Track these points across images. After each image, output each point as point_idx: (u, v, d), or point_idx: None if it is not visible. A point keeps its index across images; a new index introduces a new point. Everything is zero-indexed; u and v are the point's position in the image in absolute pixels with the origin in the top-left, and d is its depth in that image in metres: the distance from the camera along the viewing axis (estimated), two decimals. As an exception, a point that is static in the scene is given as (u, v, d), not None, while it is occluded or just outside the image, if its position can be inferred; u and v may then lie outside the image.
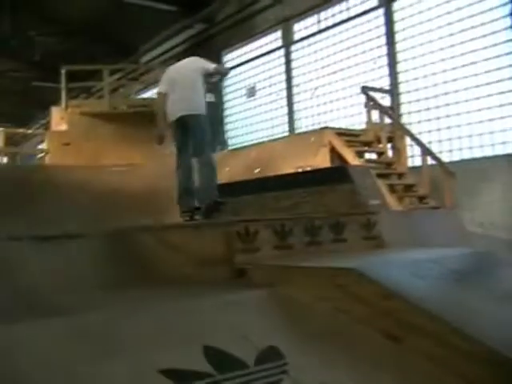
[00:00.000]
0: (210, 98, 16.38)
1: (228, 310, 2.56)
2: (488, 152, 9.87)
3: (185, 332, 2.28)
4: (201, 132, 6.51)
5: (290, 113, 14.13)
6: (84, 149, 14.33)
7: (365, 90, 10.46)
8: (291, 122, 13.93)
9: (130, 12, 17.73)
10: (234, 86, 16.55)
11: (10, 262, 2.91)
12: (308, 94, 13.70)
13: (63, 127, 14.94)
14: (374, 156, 10.45)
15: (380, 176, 9.78)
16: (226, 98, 16.82)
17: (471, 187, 9.77)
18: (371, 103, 10.26)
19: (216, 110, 16.22)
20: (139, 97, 20.47)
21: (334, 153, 9.65)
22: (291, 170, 8.79)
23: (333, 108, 12.95)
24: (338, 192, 4.92)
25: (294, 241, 3.89)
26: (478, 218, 9.67)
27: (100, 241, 3.44)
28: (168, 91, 6.71)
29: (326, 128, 10.17)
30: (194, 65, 6.85)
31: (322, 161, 9.61)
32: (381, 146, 10.12)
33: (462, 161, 10.25)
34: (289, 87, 14.27)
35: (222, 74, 7.68)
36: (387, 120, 10.31)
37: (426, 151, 9.70)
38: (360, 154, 9.99)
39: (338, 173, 5.01)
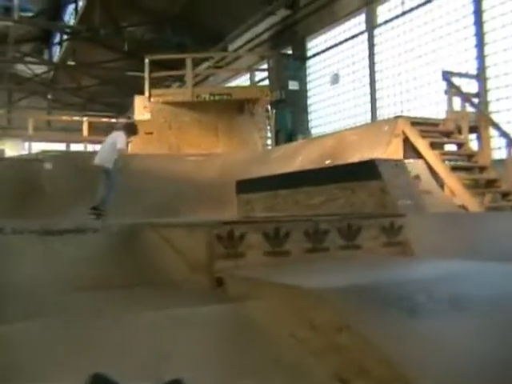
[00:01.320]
0: (294, 85, 16.01)
1: (165, 329, 2.18)
2: None
3: (93, 354, 1.94)
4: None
5: (373, 100, 13.34)
6: (166, 138, 14.35)
7: (446, 74, 9.58)
8: (374, 109, 13.15)
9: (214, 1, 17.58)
10: (317, 73, 15.95)
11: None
12: (391, 81, 12.84)
13: (146, 116, 14.93)
14: (454, 147, 9.54)
15: (457, 169, 9.01)
16: (309, 86, 16.17)
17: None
18: (452, 90, 9.38)
19: (299, 98, 15.68)
20: (228, 85, 20.42)
21: (408, 143, 8.92)
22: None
23: (416, 95, 12.04)
24: (365, 189, 4.29)
25: (292, 247, 3.35)
26: None
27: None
28: None
29: (399, 117, 9.41)
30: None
31: (395, 152, 8.90)
32: (462, 136, 9.21)
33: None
34: (372, 73, 13.47)
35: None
36: (470, 108, 9.39)
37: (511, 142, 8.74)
38: (438, 145, 9.20)
39: (366, 168, 4.35)
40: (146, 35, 21.63)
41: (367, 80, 13.66)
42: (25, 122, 17.14)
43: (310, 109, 16.06)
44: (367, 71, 13.69)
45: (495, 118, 10.21)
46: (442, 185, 8.30)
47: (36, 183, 10.51)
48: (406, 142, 8.93)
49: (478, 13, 10.58)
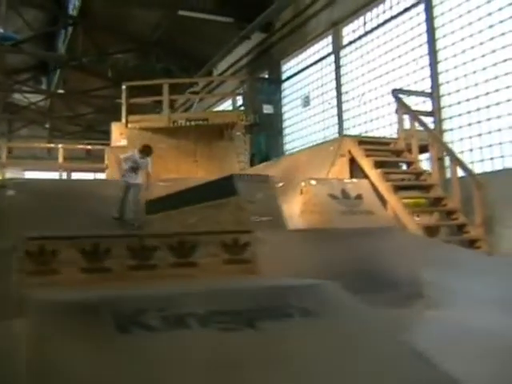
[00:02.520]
0: (269, 109, 15.99)
1: None
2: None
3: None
4: None
5: (340, 121, 13.25)
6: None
7: (395, 93, 9.48)
8: (341, 131, 13.04)
9: (194, 26, 17.69)
10: (291, 96, 15.88)
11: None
12: (356, 101, 12.76)
13: (123, 143, 14.93)
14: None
15: (408, 188, 8.87)
16: (284, 109, 16.13)
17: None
18: (402, 108, 9.26)
19: (274, 121, 15.66)
20: (215, 109, 20.45)
21: (356, 163, 8.81)
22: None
23: (378, 115, 11.94)
24: (226, 206, 4.19)
25: (113, 263, 3.25)
26: (520, 236, 8.45)
27: None
28: None
29: (345, 136, 9.31)
30: None
31: (340, 171, 8.83)
32: (412, 155, 9.06)
33: (505, 170, 8.97)
34: (339, 95, 13.40)
35: None
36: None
37: (456, 160, 8.58)
38: (390, 164, 9.09)
39: (226, 184, 4.27)
40: (131, 62, 21.79)
41: (335, 101, 13.57)
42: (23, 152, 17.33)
43: (284, 132, 15.98)
44: (334, 93, 13.60)
45: (449, 136, 10.08)
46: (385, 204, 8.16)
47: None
48: (354, 161, 8.84)
49: (431, 31, 10.50)
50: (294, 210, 8.28)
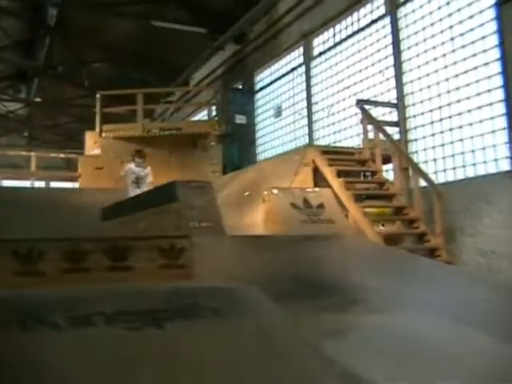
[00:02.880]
0: (241, 119, 16.10)
1: None
2: (491, 169, 8.66)
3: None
4: None
5: (310, 132, 13.38)
6: (118, 173, 14.31)
7: (360, 103, 9.61)
8: (311, 141, 13.17)
9: (170, 36, 17.77)
10: (263, 107, 16.00)
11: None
12: (326, 112, 12.90)
13: (96, 151, 14.96)
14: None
15: (369, 198, 8.99)
16: (257, 119, 16.25)
17: (473, 210, 8.68)
18: (367, 119, 9.39)
19: (247, 132, 15.76)
20: (192, 119, 20.54)
21: (320, 172, 8.91)
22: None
23: (346, 125, 12.08)
24: (167, 212, 4.24)
25: (46, 267, 3.27)
26: (479, 244, 8.57)
27: None
28: None
29: (309, 146, 9.43)
30: None
31: (303, 180, 8.92)
32: (376, 165, 9.18)
33: (466, 179, 9.11)
34: (309, 105, 13.54)
35: None
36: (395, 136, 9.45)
37: (417, 170, 8.71)
38: (354, 174, 9.22)
39: (168, 191, 4.33)
40: (107, 71, 21.84)
41: (305, 112, 13.71)
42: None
43: (257, 142, 16.09)
44: (305, 103, 13.75)
45: (414, 146, 10.23)
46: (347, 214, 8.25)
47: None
48: (318, 170, 8.94)
49: (396, 43, 10.67)
50: (258, 218, 8.37)
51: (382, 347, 3.45)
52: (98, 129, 15.14)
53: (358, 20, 11.99)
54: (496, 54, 8.31)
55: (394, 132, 10.16)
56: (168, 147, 15.01)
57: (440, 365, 3.33)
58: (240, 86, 17.04)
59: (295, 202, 7.86)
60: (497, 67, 8.34)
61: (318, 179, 9.00)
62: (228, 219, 8.20)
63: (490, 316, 4.09)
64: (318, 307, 3.79)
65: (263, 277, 3.78)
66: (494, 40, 8.38)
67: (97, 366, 2.01)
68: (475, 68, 8.95)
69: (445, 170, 9.58)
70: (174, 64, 19.99)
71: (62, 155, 19.32)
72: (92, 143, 15.44)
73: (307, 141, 13.45)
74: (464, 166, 9.22)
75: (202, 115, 19.72)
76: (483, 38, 8.75)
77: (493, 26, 8.36)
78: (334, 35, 12.74)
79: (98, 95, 15.51)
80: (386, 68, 11.01)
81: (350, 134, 11.94)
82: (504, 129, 8.10)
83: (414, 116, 10.25)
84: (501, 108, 8.36)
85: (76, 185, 17.52)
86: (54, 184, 21.86)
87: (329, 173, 8.63)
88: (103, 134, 15.06)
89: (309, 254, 4.49)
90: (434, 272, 5.88)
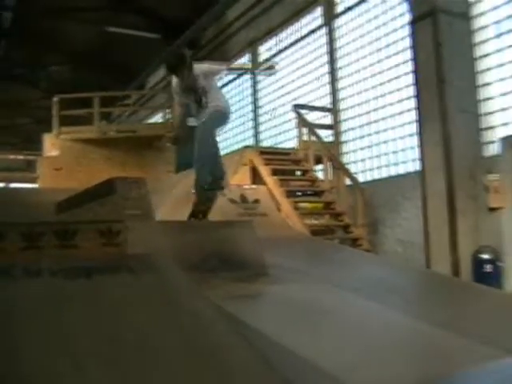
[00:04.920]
0: (192, 122, 16.87)
1: None
2: (409, 168, 9.68)
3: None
4: None
5: (256, 134, 14.27)
6: (76, 173, 14.87)
7: (295, 108, 10.54)
8: (257, 143, 14.05)
9: (127, 41, 18.42)
10: (215, 110, 16.82)
11: None
12: (269, 115, 13.84)
13: (55, 153, 15.48)
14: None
15: (304, 194, 9.90)
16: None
17: (393, 205, 9.68)
18: (301, 121, 10.32)
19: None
20: (149, 121, 21.21)
21: (258, 171, 9.78)
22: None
23: (287, 128, 13.01)
24: (108, 204, 5.08)
25: (8, 245, 4.06)
26: (398, 235, 9.56)
27: None
28: None
29: (247, 147, 10.33)
30: None
31: (242, 179, 9.75)
32: (308, 164, 10.10)
33: (388, 178, 10.12)
34: (255, 109, 14.45)
35: None
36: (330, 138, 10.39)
37: (343, 170, 9.69)
38: (289, 172, 10.09)
39: (108, 185, 5.18)
40: (66, 75, 22.32)
41: (252, 115, 14.61)
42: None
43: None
44: (252, 107, 14.64)
45: (346, 147, 11.21)
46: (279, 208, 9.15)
47: None
48: (256, 169, 9.82)
49: (332, 52, 11.65)
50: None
51: (277, 308, 4.37)
52: (55, 131, 15.66)
53: (300, 29, 12.92)
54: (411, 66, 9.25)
55: (328, 134, 11.13)
56: (124, 148, 15.63)
57: (325, 322, 4.25)
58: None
59: (233, 197, 8.77)
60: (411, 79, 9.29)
61: (255, 177, 9.87)
62: (176, 213, 9.06)
63: (377, 288, 5.01)
64: (228, 278, 4.68)
65: (183, 253, 4.66)
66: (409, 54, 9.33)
67: (43, 305, 2.86)
68: (397, 78, 9.96)
69: (371, 170, 10.56)
70: (130, 68, 20.64)
71: (21, 157, 19.82)
72: (50, 145, 15.98)
73: (253, 142, 14.34)
74: (387, 166, 10.23)
75: (158, 118, 20.42)
76: (404, 50, 9.75)
77: (409, 42, 9.31)
78: (278, 43, 13.67)
79: (55, 99, 16.06)
80: (323, 75, 11.96)
81: (290, 136, 12.86)
82: (417, 134, 9.04)
83: (346, 120, 11.22)
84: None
85: (36, 185, 18.06)
86: (13, 185, 22.29)
87: (264, 171, 9.50)
88: (61, 136, 15.60)
89: (227, 236, 5.36)
90: (344, 256, 6.82)
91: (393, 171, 10.13)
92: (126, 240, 4.54)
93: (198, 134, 6.73)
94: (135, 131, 16.06)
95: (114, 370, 2.49)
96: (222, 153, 7.69)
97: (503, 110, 8.38)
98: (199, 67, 6.37)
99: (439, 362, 3.38)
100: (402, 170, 9.93)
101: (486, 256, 7.97)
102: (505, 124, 8.34)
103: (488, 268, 7.90)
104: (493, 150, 8.34)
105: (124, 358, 2.65)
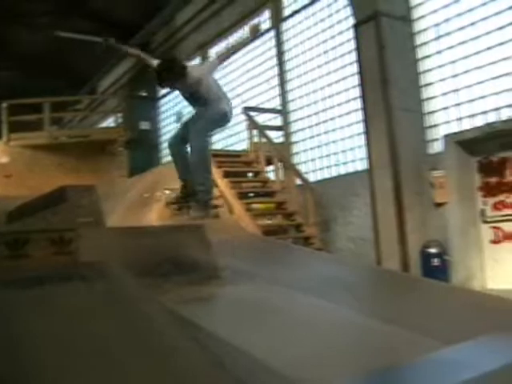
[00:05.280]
0: (146, 125, 16.95)
1: None
2: (359, 167, 9.93)
3: None
4: None
5: (208, 136, 14.39)
6: (27, 180, 14.69)
7: (245, 110, 10.68)
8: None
9: (78, 45, 18.19)
10: (167, 113, 16.92)
11: None
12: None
13: (4, 160, 15.29)
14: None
15: (256, 195, 10.05)
16: (162, 125, 17.15)
17: (343, 203, 9.91)
18: (252, 124, 10.47)
19: (152, 137, 16.60)
20: (101, 126, 21.08)
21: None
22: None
23: (238, 130, 13.15)
24: (60, 212, 5.14)
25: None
26: (350, 232, 9.79)
27: None
28: None
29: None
30: None
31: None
32: (259, 165, 10.25)
33: (339, 176, 10.36)
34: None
35: None
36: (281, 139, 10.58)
37: (294, 170, 9.89)
38: (241, 174, 10.22)
39: (60, 193, 5.24)
40: (16, 80, 22.04)
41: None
42: None
43: (162, 146, 16.95)
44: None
45: (296, 147, 11.41)
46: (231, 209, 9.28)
47: None
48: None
49: (280, 55, 11.85)
50: (153, 217, 9.36)
51: (229, 310, 4.50)
52: (4, 138, 15.48)
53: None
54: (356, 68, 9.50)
55: (279, 135, 11.32)
56: (76, 154, 15.55)
57: (275, 321, 4.40)
58: (144, 94, 17.82)
59: (186, 200, 8.88)
60: (356, 80, 9.54)
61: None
62: (129, 218, 9.12)
63: (327, 286, 5.18)
64: (181, 282, 4.79)
65: (136, 258, 4.76)
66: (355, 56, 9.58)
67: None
68: (344, 79, 10.22)
69: (322, 169, 10.79)
70: (81, 72, 20.51)
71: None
72: (0, 152, 15.79)
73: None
74: (337, 165, 10.47)
75: (109, 122, 20.34)
76: (350, 52, 9.99)
77: (353, 44, 9.55)
78: (228, 46, 13.79)
79: (4, 105, 15.88)
80: (272, 77, 12.15)
81: (241, 138, 12.99)
82: (364, 133, 9.29)
83: (296, 121, 11.43)
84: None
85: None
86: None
87: (216, 174, 9.62)
88: (11, 143, 15.44)
89: (179, 240, 5.48)
90: (295, 255, 6.99)
91: (343, 170, 10.37)
92: (78, 248, 4.62)
93: (194, 134, 6.26)
94: (87, 136, 16.01)
95: (70, 379, 2.59)
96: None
97: (445, 108, 8.68)
98: (196, 70, 6.24)
99: (386, 356, 3.58)
100: (351, 168, 10.18)
101: (433, 250, 8.24)
102: (447, 122, 8.65)
103: (435, 262, 8.17)
104: (437, 147, 8.64)
105: (80, 366, 2.75)
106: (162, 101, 17.16)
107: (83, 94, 20.94)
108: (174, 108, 16.58)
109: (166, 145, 16.70)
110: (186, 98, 6.46)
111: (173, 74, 5.89)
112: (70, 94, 19.72)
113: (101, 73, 19.44)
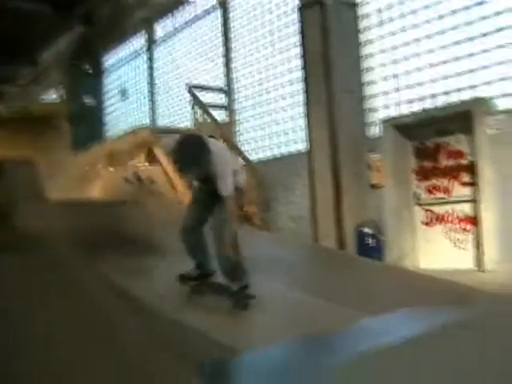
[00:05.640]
0: (90, 100, 16.72)
1: None
2: (300, 148, 10.10)
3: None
4: None
5: (153, 113, 14.38)
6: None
7: (190, 88, 10.71)
8: (154, 122, 14.15)
9: (19, 16, 17.78)
10: (111, 88, 16.77)
11: None
12: (166, 95, 13.97)
13: None
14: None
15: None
16: (105, 100, 17.00)
17: (285, 183, 10.08)
18: (195, 101, 10.51)
19: (96, 112, 16.41)
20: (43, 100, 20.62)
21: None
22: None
23: (182, 108, 13.19)
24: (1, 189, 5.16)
25: None
26: (291, 212, 9.99)
27: None
28: None
29: (142, 127, 10.45)
30: None
31: (138, 158, 9.85)
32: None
33: (281, 156, 10.53)
34: (151, 88, 14.53)
35: None
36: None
37: (235, 149, 10.01)
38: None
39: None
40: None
41: (148, 94, 14.68)
42: None
43: (106, 122, 16.81)
44: (148, 86, 14.71)
45: (241, 126, 11.53)
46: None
47: None
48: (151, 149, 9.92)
49: (226, 34, 11.90)
50: (95, 192, 9.38)
51: (166, 283, 4.61)
52: None
53: (195, 10, 13.07)
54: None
55: (222, 114, 11.41)
56: (18, 129, 15.23)
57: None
58: (88, 68, 17.56)
59: (128, 176, 8.91)
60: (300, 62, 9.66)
61: (154, 157, 9.99)
62: (73, 193, 9.08)
63: (266, 264, 5.35)
64: (121, 254, 4.87)
65: (77, 231, 4.82)
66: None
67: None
68: (288, 60, 10.36)
69: (264, 149, 10.93)
70: (22, 43, 19.96)
71: None
72: None
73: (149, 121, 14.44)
74: (279, 146, 10.64)
75: (52, 96, 19.98)
76: (295, 34, 10.09)
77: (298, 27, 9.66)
78: (174, 23, 13.76)
79: None
80: (217, 56, 12.19)
81: (186, 116, 13.04)
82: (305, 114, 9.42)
83: (240, 100, 11.53)
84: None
85: None
86: None
87: (159, 151, 9.64)
88: None
89: (121, 214, 5.56)
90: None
91: (285, 151, 10.54)
92: (17, 222, 4.67)
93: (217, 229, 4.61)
94: (29, 110, 15.66)
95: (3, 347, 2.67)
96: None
97: (385, 93, 8.91)
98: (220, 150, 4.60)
99: (316, 325, 3.83)
100: (294, 149, 10.35)
101: (368, 230, 8.50)
102: (386, 107, 8.89)
103: (370, 241, 8.44)
104: (376, 130, 8.87)
105: (14, 335, 2.83)
106: (106, 76, 16.96)
107: (24, 66, 20.43)
108: (118, 84, 16.44)
109: (110, 121, 16.66)
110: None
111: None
112: (9, 66, 19.22)
113: (42, 46, 18.95)
